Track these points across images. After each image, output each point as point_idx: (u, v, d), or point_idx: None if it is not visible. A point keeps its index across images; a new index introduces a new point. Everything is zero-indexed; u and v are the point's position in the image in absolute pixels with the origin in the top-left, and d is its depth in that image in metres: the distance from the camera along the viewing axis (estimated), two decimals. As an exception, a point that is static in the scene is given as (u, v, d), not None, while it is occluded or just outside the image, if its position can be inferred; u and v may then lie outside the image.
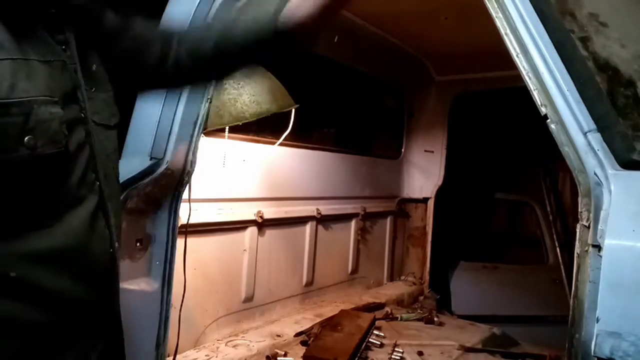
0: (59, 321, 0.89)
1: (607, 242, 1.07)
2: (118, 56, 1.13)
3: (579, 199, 1.24)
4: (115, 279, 1.03)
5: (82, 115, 0.95)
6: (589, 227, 1.19)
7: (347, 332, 2.70)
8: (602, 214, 1.12)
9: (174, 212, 1.88)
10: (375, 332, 2.88)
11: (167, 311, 1.88)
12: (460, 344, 2.91)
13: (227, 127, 2.22)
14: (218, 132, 2.33)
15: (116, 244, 1.02)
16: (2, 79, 0.80)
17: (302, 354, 2.54)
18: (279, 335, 2.76)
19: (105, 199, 0.99)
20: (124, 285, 1.76)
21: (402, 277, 4.26)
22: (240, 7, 1.15)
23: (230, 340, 2.64)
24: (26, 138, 0.81)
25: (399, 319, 3.32)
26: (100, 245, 0.97)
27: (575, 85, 1.23)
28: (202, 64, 1.18)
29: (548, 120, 1.29)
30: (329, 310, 3.18)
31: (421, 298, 4.06)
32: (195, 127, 1.87)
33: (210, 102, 1.92)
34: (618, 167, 1.15)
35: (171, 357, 2.10)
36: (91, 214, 0.94)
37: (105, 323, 1.02)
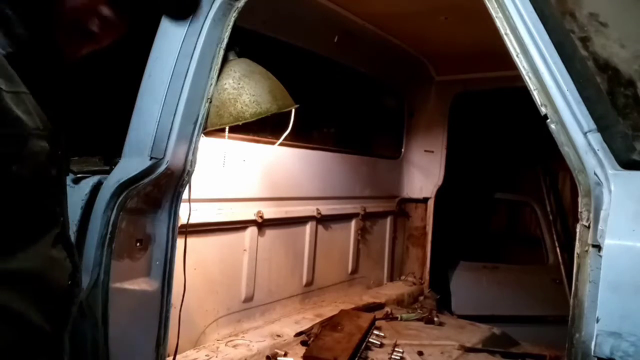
0: (16, 343, 0.90)
1: (607, 242, 1.08)
2: None
3: (579, 199, 1.24)
4: (70, 311, 1.05)
5: (60, 152, 0.99)
6: (589, 227, 1.19)
7: (347, 332, 2.70)
8: (602, 214, 1.12)
9: (174, 212, 1.88)
10: (375, 332, 2.88)
11: (167, 311, 1.89)
12: (460, 344, 2.91)
13: (227, 127, 2.22)
14: (218, 132, 2.33)
15: (78, 279, 1.05)
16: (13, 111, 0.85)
17: (302, 354, 2.54)
18: (279, 335, 2.76)
19: (66, 233, 1.03)
20: (124, 285, 1.77)
21: (402, 277, 4.26)
22: None
23: (230, 340, 2.64)
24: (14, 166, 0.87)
25: (399, 319, 3.31)
26: (57, 276, 0.99)
27: (575, 85, 1.23)
28: None
29: (548, 120, 1.29)
30: (329, 310, 3.18)
31: (421, 298, 4.06)
32: (195, 127, 1.87)
33: (210, 102, 1.92)
34: (618, 167, 1.15)
35: (171, 357, 2.10)
36: (51, 245, 0.97)
37: (49, 353, 1.02)
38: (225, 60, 1.99)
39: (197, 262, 2.47)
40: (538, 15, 1.30)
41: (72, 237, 1.72)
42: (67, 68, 1.08)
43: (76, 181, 1.85)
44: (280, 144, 2.65)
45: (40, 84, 0.96)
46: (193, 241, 2.32)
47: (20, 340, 0.91)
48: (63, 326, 1.04)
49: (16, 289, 0.89)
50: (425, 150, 4.19)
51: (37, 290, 0.93)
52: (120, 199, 1.72)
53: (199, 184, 2.19)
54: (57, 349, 1.04)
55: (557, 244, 4.63)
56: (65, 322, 1.04)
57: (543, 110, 1.30)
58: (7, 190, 0.87)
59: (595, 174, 1.18)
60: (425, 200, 4.25)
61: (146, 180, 1.77)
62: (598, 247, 1.12)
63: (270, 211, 2.92)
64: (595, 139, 1.19)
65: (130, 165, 1.81)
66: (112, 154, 1.92)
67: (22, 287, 0.91)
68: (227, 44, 1.94)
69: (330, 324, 2.85)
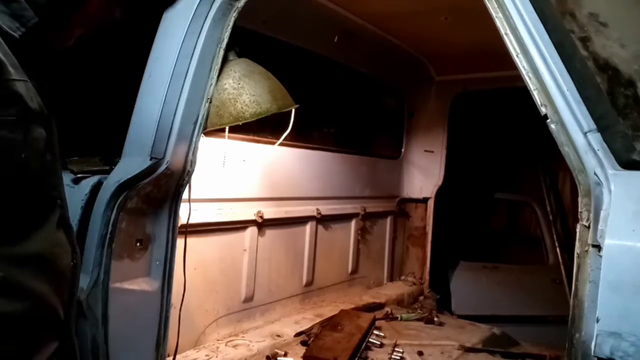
0: (33, 320, 0.94)
1: (607, 242, 1.08)
2: None
3: (579, 199, 1.24)
4: (74, 293, 1.09)
5: (53, 136, 1.02)
6: (589, 227, 1.19)
7: (347, 332, 2.70)
8: (602, 214, 1.12)
9: (174, 212, 1.88)
10: (375, 332, 2.88)
11: (167, 311, 1.89)
12: (460, 344, 2.91)
13: (227, 127, 2.22)
14: (218, 132, 2.33)
15: (77, 259, 1.08)
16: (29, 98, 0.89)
17: (302, 354, 2.54)
18: (279, 335, 2.76)
19: (66, 215, 1.06)
20: (124, 285, 1.77)
21: (402, 277, 4.26)
22: None
23: (230, 340, 2.64)
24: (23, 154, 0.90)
25: (399, 319, 3.31)
26: (64, 257, 1.04)
27: (575, 85, 1.23)
28: None
29: (548, 120, 1.29)
30: (329, 310, 3.18)
31: (421, 298, 4.06)
32: (195, 127, 1.87)
33: (210, 102, 1.92)
34: (618, 167, 1.15)
35: (171, 357, 2.10)
36: (56, 226, 1.01)
37: (62, 331, 1.06)
38: (225, 60, 1.99)
39: (197, 262, 2.47)
40: (538, 15, 1.30)
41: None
42: (63, 51, 1.10)
43: (76, 181, 1.85)
44: (280, 144, 2.64)
45: (40, 68, 0.98)
46: (193, 241, 2.32)
47: (35, 319, 0.94)
48: (70, 308, 1.07)
49: (35, 272, 0.92)
50: (425, 150, 4.19)
51: (50, 272, 0.97)
52: (120, 199, 1.72)
53: (199, 184, 2.19)
54: (68, 332, 1.08)
55: (557, 244, 4.63)
56: (71, 304, 1.07)
57: (543, 110, 1.30)
58: (15, 177, 0.89)
59: (595, 174, 1.18)
60: (425, 200, 4.25)
61: (146, 180, 1.77)
62: (598, 247, 1.12)
63: (270, 211, 2.92)
64: (595, 139, 1.19)
65: (130, 165, 1.81)
66: (112, 154, 1.92)
67: (39, 269, 0.93)
68: (227, 44, 1.94)
69: (330, 324, 2.85)
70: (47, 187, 1.00)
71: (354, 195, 3.70)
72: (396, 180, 4.23)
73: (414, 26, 3.16)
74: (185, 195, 1.94)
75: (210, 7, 1.87)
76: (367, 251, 3.88)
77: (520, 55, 1.35)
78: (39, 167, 0.95)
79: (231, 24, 1.92)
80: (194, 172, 1.92)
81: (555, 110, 1.27)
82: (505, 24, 1.38)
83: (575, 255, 1.23)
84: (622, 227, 1.07)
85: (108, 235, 1.69)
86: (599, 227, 1.11)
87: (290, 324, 2.95)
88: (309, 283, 3.33)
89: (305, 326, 2.88)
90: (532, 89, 1.32)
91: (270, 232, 2.96)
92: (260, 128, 2.79)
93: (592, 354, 1.05)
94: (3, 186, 0.87)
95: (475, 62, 3.58)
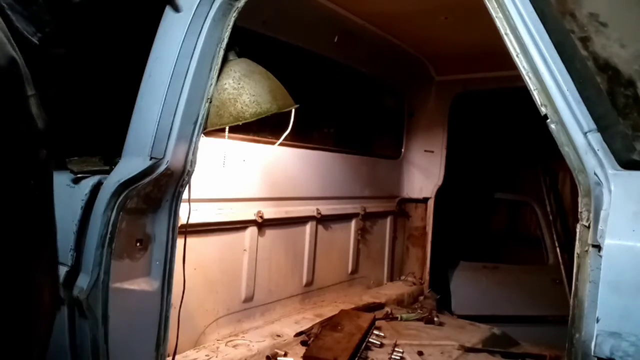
0: None
1: (607, 242, 1.07)
2: None
3: (579, 199, 1.24)
4: (51, 324, 1.01)
5: (50, 153, 0.96)
6: (589, 227, 1.19)
7: (347, 332, 2.70)
8: (602, 214, 1.12)
9: (174, 212, 1.88)
10: (375, 332, 2.88)
11: (167, 311, 1.88)
12: (460, 344, 2.91)
13: (227, 127, 2.22)
14: (218, 132, 2.33)
15: (56, 293, 1.00)
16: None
17: (302, 354, 2.54)
18: (279, 335, 2.76)
19: (55, 242, 0.98)
20: (124, 285, 1.77)
21: (402, 277, 4.26)
22: None
23: (230, 340, 2.64)
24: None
25: (399, 319, 3.32)
26: (46, 294, 0.95)
27: (575, 85, 1.23)
28: None
29: (548, 120, 1.29)
30: (329, 310, 3.18)
31: (421, 298, 4.07)
32: (195, 127, 1.87)
33: (210, 102, 1.92)
34: (618, 167, 1.15)
35: (171, 357, 2.10)
36: (48, 260, 0.94)
37: None
38: (225, 60, 1.99)
39: (197, 262, 2.47)
40: (538, 15, 1.30)
41: (72, 237, 1.72)
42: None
43: (76, 181, 1.85)
44: (280, 144, 2.65)
45: (45, 73, 0.94)
46: (193, 241, 2.32)
47: None
48: (45, 347, 0.99)
49: (13, 314, 0.86)
50: (425, 150, 4.19)
51: (27, 313, 0.89)
52: (120, 199, 1.72)
53: (199, 184, 2.19)
54: None
55: (557, 244, 4.63)
56: (46, 341, 1.00)
57: (543, 110, 1.30)
58: (23, 203, 0.85)
59: (595, 174, 1.18)
60: (425, 200, 4.25)
61: (146, 180, 1.77)
62: (598, 247, 1.12)
63: (270, 211, 2.92)
64: (595, 139, 1.19)
65: (130, 165, 1.81)
66: (112, 154, 1.92)
67: (16, 311, 0.87)
68: (227, 44, 1.94)
69: (330, 324, 2.85)
70: (45, 212, 0.94)
71: (354, 195, 3.70)
72: (396, 180, 4.23)
73: (414, 26, 3.16)
74: (185, 195, 1.94)
75: (210, 7, 1.87)
76: (367, 251, 3.88)
77: (520, 55, 1.35)
78: (40, 192, 0.90)
79: (231, 24, 1.92)
80: (194, 172, 1.92)
81: (555, 110, 1.27)
82: (505, 24, 1.38)
83: (575, 255, 1.23)
84: (622, 227, 1.07)
85: (108, 235, 1.69)
86: (599, 227, 1.11)
87: (290, 324, 2.95)
88: (309, 283, 3.33)
89: (305, 326, 2.88)
90: (532, 89, 1.32)
91: (270, 232, 2.96)
92: (260, 128, 2.79)
93: (592, 354, 1.05)
94: (7, 214, 0.82)
95: (475, 62, 3.58)
